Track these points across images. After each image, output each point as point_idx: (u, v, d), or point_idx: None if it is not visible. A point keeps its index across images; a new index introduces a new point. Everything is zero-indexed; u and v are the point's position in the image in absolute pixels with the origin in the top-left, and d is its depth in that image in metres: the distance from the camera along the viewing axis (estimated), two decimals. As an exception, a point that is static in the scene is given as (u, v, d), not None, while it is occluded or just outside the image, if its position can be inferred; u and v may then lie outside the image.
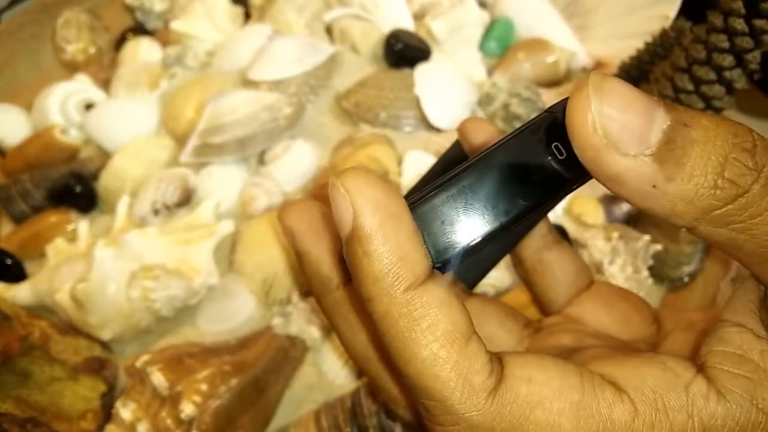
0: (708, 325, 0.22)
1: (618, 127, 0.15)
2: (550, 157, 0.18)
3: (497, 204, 0.18)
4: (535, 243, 0.26)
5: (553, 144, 0.18)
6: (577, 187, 0.18)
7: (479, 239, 0.18)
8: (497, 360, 0.18)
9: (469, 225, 0.18)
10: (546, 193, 0.18)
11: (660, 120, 0.15)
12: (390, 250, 0.17)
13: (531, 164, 0.18)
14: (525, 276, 0.27)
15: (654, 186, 0.15)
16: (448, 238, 0.18)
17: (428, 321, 0.17)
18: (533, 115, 0.63)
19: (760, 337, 0.18)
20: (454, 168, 0.19)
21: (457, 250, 0.18)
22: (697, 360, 0.18)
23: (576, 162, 0.17)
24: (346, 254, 0.18)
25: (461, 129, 0.26)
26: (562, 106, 0.17)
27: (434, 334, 0.17)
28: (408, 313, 0.17)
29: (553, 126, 0.18)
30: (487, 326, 0.25)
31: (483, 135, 0.25)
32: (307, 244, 0.22)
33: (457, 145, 0.28)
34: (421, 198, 0.18)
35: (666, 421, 0.17)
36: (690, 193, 0.15)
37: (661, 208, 0.16)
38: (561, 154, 0.18)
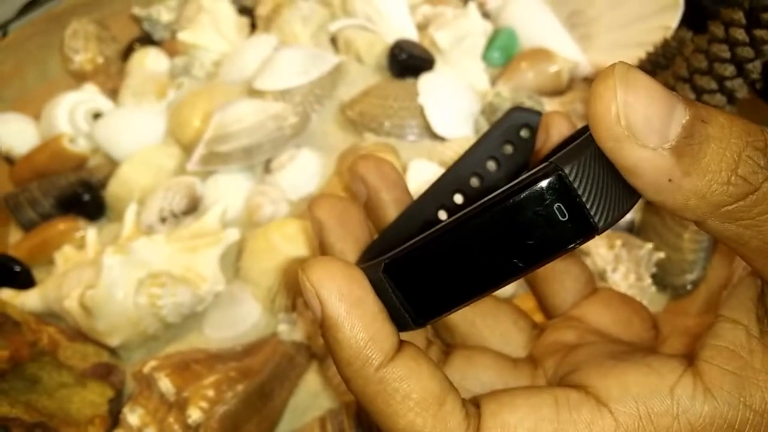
0: (704, 330, 0.22)
1: (641, 119, 0.15)
2: (551, 219, 0.16)
3: (488, 263, 0.17)
4: None
5: (556, 205, 0.16)
6: (575, 248, 0.17)
7: (464, 300, 0.18)
8: (474, 411, 0.19)
9: (455, 283, 0.18)
10: (543, 254, 0.17)
11: (679, 114, 0.16)
12: (357, 334, 0.18)
13: (529, 224, 0.16)
14: (533, 280, 0.27)
15: (670, 180, 0.16)
16: (431, 295, 0.18)
17: (402, 393, 0.18)
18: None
19: (751, 335, 0.18)
20: (446, 221, 0.18)
21: (439, 310, 0.18)
22: (691, 354, 0.19)
23: (578, 224, 0.16)
24: (323, 339, 0.19)
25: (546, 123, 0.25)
26: (567, 160, 0.16)
27: (408, 405, 0.18)
28: (383, 389, 0.18)
29: (557, 184, 0.16)
30: (503, 324, 0.25)
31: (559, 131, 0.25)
32: (334, 237, 0.23)
33: (502, 126, 0.26)
34: (407, 248, 0.18)
35: (650, 427, 0.17)
36: (703, 189, 0.15)
37: (674, 201, 0.16)
38: (563, 216, 0.16)
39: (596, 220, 0.16)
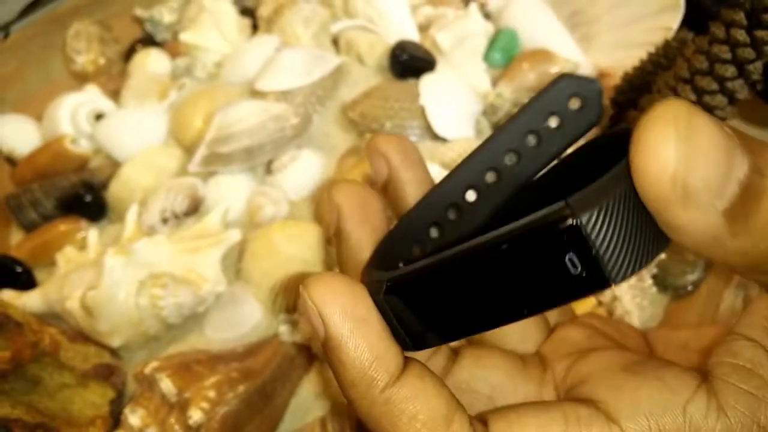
0: (703, 342, 0.22)
1: (700, 177, 0.14)
2: (560, 268, 0.14)
3: (490, 303, 0.16)
4: None
5: (568, 256, 0.14)
6: (585, 297, 0.15)
7: (462, 335, 0.18)
8: (482, 430, 0.18)
9: (454, 316, 0.17)
10: (547, 303, 0.15)
11: (739, 168, 0.14)
12: (362, 355, 0.17)
13: (535, 271, 0.15)
14: None
15: (714, 238, 0.14)
16: (430, 324, 0.18)
17: (408, 415, 0.17)
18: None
19: None
20: (451, 248, 0.16)
21: (437, 339, 0.18)
22: (703, 369, 0.18)
23: (591, 278, 0.14)
24: (326, 359, 0.18)
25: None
26: (588, 204, 0.14)
27: (415, 427, 0.17)
28: (388, 411, 0.17)
29: (571, 234, 0.14)
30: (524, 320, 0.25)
31: None
32: (351, 225, 0.23)
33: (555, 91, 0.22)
34: (411, 272, 0.17)
35: None
36: (747, 248, 0.14)
37: (713, 256, 0.15)
38: (575, 267, 0.14)
39: (612, 274, 0.14)
